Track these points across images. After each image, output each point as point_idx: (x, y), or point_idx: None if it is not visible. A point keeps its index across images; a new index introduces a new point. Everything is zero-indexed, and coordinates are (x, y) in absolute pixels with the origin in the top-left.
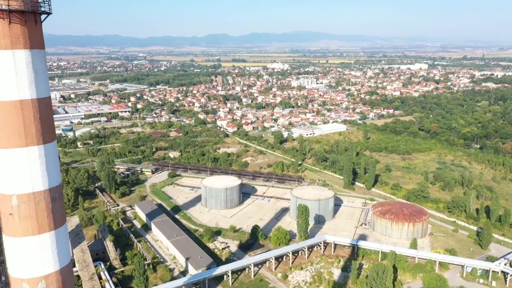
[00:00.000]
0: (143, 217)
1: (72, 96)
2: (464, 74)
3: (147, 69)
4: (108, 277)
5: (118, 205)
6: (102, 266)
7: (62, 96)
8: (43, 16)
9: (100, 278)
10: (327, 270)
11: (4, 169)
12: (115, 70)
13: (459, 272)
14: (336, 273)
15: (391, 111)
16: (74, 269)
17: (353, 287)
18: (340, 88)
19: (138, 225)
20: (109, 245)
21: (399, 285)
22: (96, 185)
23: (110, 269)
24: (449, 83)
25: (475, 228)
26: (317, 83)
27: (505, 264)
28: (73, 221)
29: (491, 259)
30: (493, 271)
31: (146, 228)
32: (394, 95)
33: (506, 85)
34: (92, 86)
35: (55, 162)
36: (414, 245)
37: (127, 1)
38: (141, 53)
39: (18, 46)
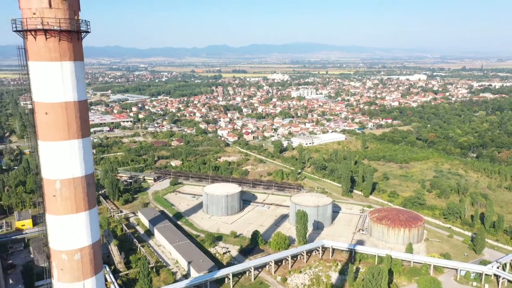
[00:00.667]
0: (146, 223)
1: None
2: (462, 85)
3: (148, 79)
4: (113, 280)
5: (121, 211)
6: (107, 269)
7: None
8: (83, 34)
9: (105, 280)
10: (325, 273)
11: (51, 158)
12: (117, 80)
13: (453, 275)
14: (334, 276)
15: (389, 121)
16: None
17: None
18: (339, 98)
19: (141, 230)
20: (113, 249)
21: (394, 287)
22: (100, 192)
23: (115, 272)
24: (447, 94)
25: (469, 233)
26: (316, 94)
27: (498, 268)
28: None
29: (485, 263)
30: (486, 274)
31: (149, 233)
32: (393, 106)
33: (503, 95)
34: (94, 97)
35: (90, 153)
36: (409, 249)
37: (128, 13)
38: (142, 64)
39: (65, 59)
